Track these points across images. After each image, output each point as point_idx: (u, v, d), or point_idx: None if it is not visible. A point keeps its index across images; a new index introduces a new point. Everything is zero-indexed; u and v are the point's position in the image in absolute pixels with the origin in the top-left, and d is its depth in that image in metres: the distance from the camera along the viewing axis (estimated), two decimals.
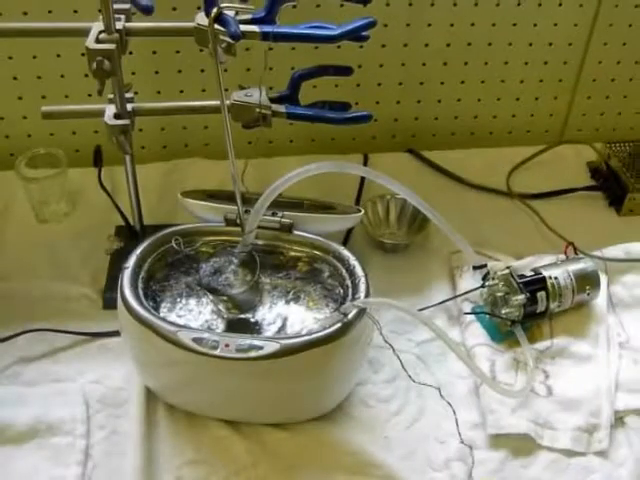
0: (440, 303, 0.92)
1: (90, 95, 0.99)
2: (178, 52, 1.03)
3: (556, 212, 1.07)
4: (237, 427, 0.79)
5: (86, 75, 1.00)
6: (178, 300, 0.80)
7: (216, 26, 0.74)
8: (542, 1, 1.08)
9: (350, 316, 0.73)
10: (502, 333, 0.88)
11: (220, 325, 0.78)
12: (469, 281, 0.93)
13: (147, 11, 0.60)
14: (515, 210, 1.08)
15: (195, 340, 0.71)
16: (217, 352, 0.71)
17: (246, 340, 0.72)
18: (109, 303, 0.89)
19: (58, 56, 1.01)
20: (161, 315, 0.76)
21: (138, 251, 0.79)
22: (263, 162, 1.07)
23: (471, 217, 1.03)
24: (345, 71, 0.89)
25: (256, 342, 0.72)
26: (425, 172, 1.14)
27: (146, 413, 0.79)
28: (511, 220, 1.06)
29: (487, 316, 0.89)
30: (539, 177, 1.13)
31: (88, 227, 0.99)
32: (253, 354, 0.71)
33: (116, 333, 0.86)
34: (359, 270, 0.78)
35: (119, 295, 0.75)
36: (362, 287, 0.77)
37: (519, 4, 1.07)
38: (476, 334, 0.89)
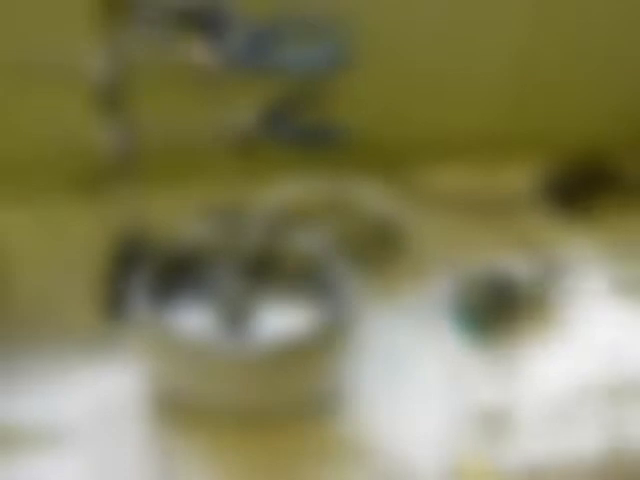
0: (418, 309, 1.00)
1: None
2: (178, 82, 1.10)
3: (516, 220, 1.16)
4: (238, 423, 0.85)
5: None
6: (181, 307, 0.87)
7: (205, 58, 0.81)
8: (487, 18, 1.17)
9: (343, 315, 0.81)
10: (478, 334, 0.96)
11: (220, 330, 0.85)
12: (444, 286, 1.01)
13: (161, 44, 0.67)
14: (480, 221, 1.17)
15: (202, 341, 0.78)
16: (222, 351, 0.78)
17: (249, 340, 0.79)
18: (110, 316, 0.95)
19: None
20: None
21: (144, 261, 0.85)
22: (251, 181, 1.14)
23: (441, 230, 1.11)
24: (324, 95, 0.97)
25: (258, 341, 0.79)
26: (398, 189, 1.22)
27: (151, 414, 0.85)
28: (477, 230, 1.15)
29: (464, 319, 0.97)
30: (500, 188, 1.22)
31: (84, 248, 1.05)
32: (256, 352, 0.78)
33: (118, 344, 0.92)
34: (347, 275, 0.86)
35: (128, 303, 0.81)
36: (351, 290, 0.84)
37: (466, 21, 1.17)
38: (454, 337, 0.97)
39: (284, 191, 0.83)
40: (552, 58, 1.25)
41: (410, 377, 0.92)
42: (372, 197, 0.90)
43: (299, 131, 0.95)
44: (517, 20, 1.20)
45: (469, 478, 0.83)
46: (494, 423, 0.87)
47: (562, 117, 1.32)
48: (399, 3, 1.14)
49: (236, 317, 0.85)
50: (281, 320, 0.87)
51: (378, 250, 1.10)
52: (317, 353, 0.80)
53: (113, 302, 0.96)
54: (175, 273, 0.89)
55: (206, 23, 0.76)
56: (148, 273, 0.85)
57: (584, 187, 1.19)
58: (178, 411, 0.86)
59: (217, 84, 0.81)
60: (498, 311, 0.96)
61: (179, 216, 0.92)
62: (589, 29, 1.23)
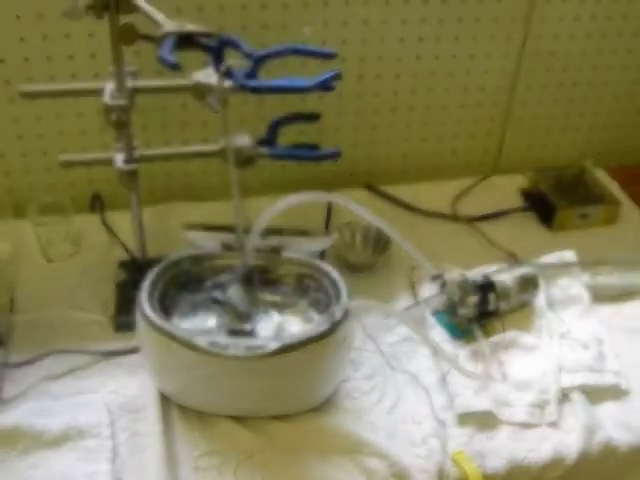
0: (408, 308, 1.07)
1: (86, 150, 1.14)
2: (184, 107, 1.18)
3: (496, 231, 1.24)
4: (243, 421, 0.91)
5: (83, 132, 1.16)
6: (187, 314, 0.93)
7: (211, 81, 0.89)
8: (474, 52, 1.26)
9: (337, 317, 0.87)
10: (461, 331, 1.03)
11: (223, 334, 0.92)
12: (429, 290, 1.08)
13: (175, 68, 0.74)
14: (461, 231, 1.25)
15: (210, 343, 0.84)
16: (229, 352, 0.84)
17: (252, 341, 0.86)
18: (120, 326, 1.02)
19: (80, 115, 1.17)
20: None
21: (153, 274, 0.91)
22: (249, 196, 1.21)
23: (424, 239, 1.14)
24: (314, 117, 1.04)
25: (261, 342, 0.85)
26: (381, 204, 1.30)
27: (162, 415, 0.91)
28: (459, 240, 1.23)
29: (447, 317, 1.04)
30: (479, 203, 1.31)
31: (92, 264, 1.12)
32: (259, 352, 0.84)
33: (128, 351, 0.99)
34: (340, 280, 0.93)
35: (138, 311, 0.88)
36: (344, 293, 0.91)
37: (454, 56, 1.26)
38: (439, 334, 1.04)
39: (279, 205, 0.89)
40: (538, 85, 1.35)
41: (400, 376, 0.99)
42: (362, 209, 0.96)
43: (292, 149, 1.02)
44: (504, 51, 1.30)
45: (455, 475, 0.90)
46: (478, 422, 0.94)
47: (546, 140, 1.42)
48: (390, 36, 1.23)
49: (238, 321, 0.92)
50: (280, 324, 0.94)
51: (369, 256, 1.17)
52: (314, 354, 0.86)
53: (123, 312, 1.03)
54: (180, 283, 0.95)
55: (209, 48, 0.83)
56: (154, 283, 0.91)
57: (565, 202, 1.27)
58: (184, 407, 0.92)
59: (219, 104, 0.88)
60: (482, 313, 1.03)
61: (182, 230, 0.98)
62: (574, 60, 1.33)
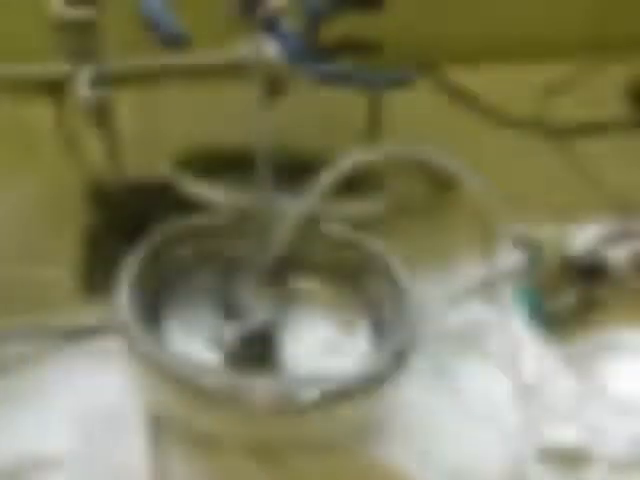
0: (472, 282, 0.80)
1: None
2: None
3: (597, 151, 0.93)
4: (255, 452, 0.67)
5: None
6: (181, 319, 0.66)
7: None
8: None
9: (403, 347, 0.61)
10: (551, 323, 0.77)
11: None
12: (508, 255, 0.80)
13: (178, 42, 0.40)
14: (549, 150, 0.94)
15: (220, 384, 0.58)
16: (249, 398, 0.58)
17: (279, 384, 0.60)
18: (91, 289, 0.75)
19: None
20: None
21: (133, 263, 0.63)
22: None
23: (497, 161, 0.86)
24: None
25: (291, 385, 0.59)
26: (444, 101, 0.99)
27: (152, 436, 0.66)
28: (546, 163, 0.92)
29: (536, 300, 0.77)
30: (574, 103, 0.98)
31: (47, 193, 0.81)
32: (290, 403, 0.59)
33: (102, 329, 0.71)
34: (404, 279, 0.65)
35: (125, 335, 0.61)
36: (412, 310, 0.64)
37: None
38: (519, 324, 0.77)
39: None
40: None
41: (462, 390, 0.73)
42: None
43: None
44: None
45: None
46: (566, 458, 0.70)
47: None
48: None
49: (256, 342, 0.64)
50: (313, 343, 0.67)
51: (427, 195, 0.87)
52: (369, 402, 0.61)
53: (94, 268, 0.76)
54: (173, 272, 0.67)
55: None
56: (137, 279, 0.63)
57: None
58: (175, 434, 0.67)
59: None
60: (585, 304, 0.77)
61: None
62: None
